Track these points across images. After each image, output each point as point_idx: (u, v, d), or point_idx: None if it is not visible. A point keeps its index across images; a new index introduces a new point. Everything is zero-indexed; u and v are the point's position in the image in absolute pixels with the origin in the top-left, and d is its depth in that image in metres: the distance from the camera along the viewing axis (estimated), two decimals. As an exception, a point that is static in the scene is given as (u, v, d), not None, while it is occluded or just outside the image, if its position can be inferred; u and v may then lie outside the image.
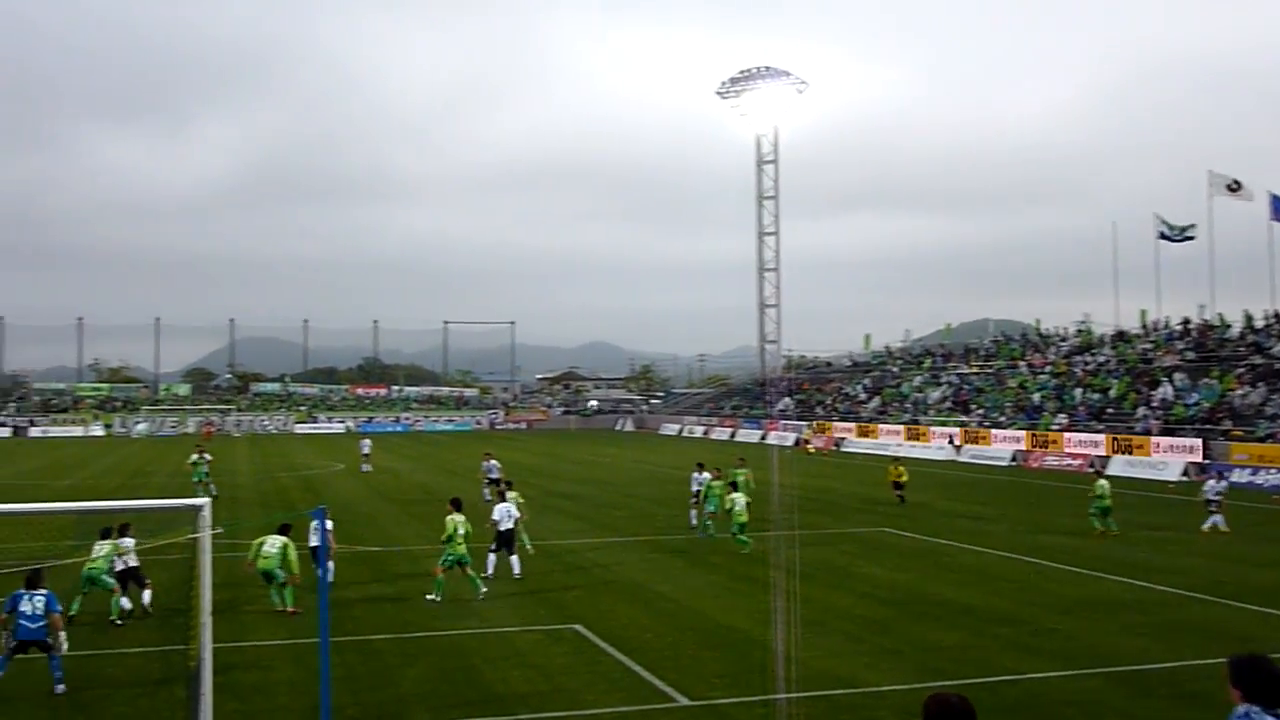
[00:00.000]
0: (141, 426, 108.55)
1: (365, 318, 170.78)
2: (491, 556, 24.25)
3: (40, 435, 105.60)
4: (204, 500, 12.90)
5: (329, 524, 22.48)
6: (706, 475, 31.74)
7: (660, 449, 79.08)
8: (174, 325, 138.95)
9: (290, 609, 20.27)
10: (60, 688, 15.06)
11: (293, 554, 20.85)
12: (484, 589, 21.87)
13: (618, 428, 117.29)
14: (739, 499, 28.72)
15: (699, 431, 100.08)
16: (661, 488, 45.33)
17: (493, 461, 41.00)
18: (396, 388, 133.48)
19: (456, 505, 22.72)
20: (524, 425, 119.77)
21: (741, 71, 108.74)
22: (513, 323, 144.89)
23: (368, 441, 60.48)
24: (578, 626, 19.26)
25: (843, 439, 77.97)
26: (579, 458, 68.54)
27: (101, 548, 20.34)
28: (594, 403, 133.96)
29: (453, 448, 78.72)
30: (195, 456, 42.69)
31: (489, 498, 26.24)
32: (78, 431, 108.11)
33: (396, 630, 19.09)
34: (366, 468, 55.37)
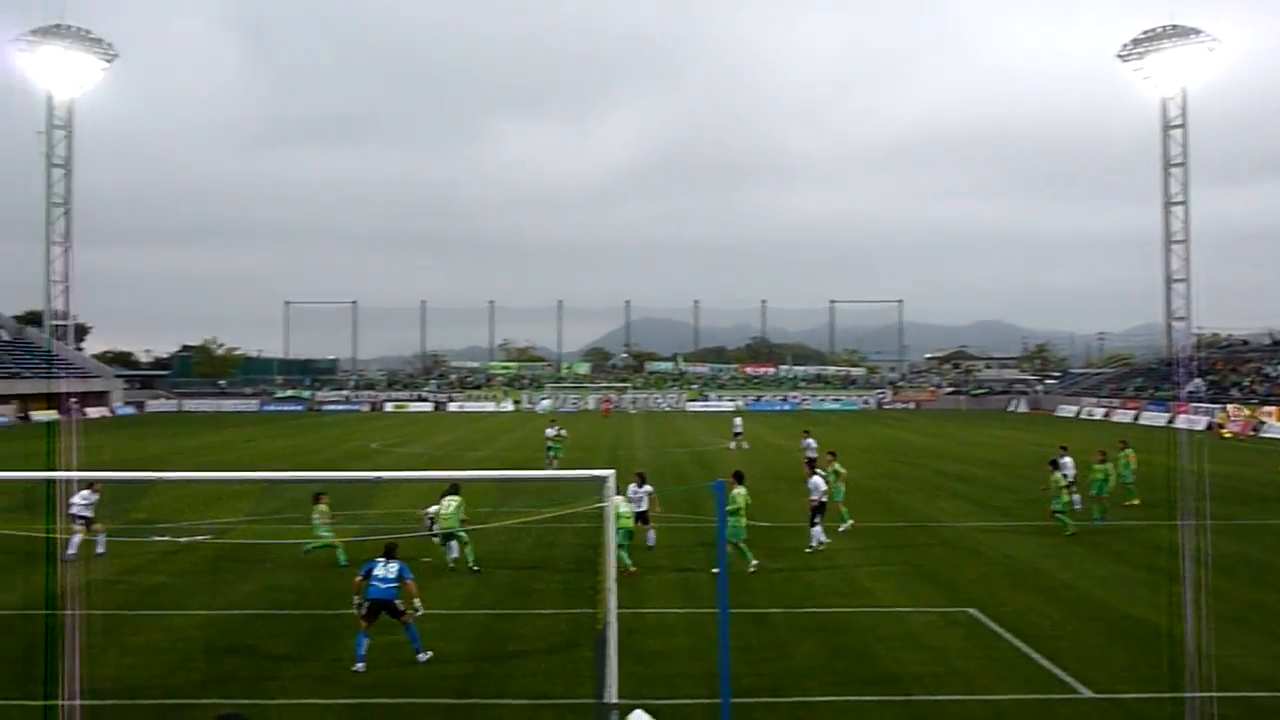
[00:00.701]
0: (546, 403, 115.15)
1: (753, 297, 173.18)
2: (817, 529, 25.08)
3: (457, 410, 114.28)
4: (609, 471, 13.51)
5: (648, 488, 23.98)
6: (1068, 460, 30.55)
7: (1057, 431, 75.75)
8: (574, 307, 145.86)
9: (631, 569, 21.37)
10: (423, 655, 15.81)
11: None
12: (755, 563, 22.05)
13: (1010, 409, 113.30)
14: (1059, 478, 28.34)
15: (1098, 414, 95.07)
16: (1058, 471, 43.43)
17: (810, 440, 41.44)
18: (784, 367, 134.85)
19: (739, 478, 23.12)
20: (912, 405, 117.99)
21: (1145, 32, 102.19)
22: (900, 301, 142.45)
23: (739, 420, 61.61)
24: (972, 610, 18.85)
25: (1262, 423, 71.92)
26: (970, 439, 66.78)
27: (449, 504, 22.30)
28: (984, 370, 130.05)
29: (839, 426, 78.69)
30: (551, 430, 45.12)
31: (820, 474, 26.54)
32: (489, 407, 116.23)
33: (788, 604, 19.36)
34: (737, 444, 56.40)
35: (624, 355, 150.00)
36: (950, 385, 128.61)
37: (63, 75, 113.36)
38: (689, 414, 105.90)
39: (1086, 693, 14.25)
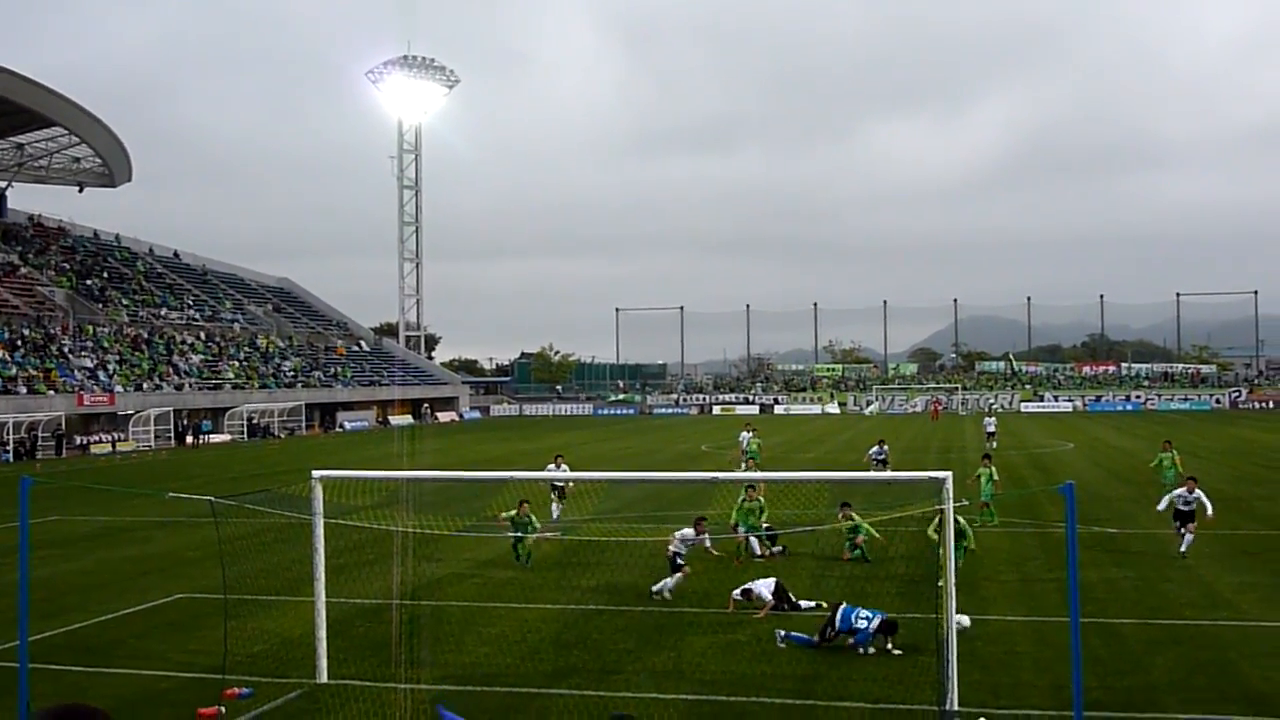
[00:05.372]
0: (873, 405, 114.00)
1: (1090, 293, 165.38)
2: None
3: (783, 412, 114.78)
4: (945, 474, 13.29)
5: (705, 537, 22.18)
6: None
7: None
8: (900, 307, 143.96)
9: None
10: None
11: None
12: None
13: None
14: None
15: None
16: None
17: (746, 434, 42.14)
18: (1126, 365, 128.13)
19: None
20: (1269, 404, 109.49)
21: None
22: (1255, 292, 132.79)
23: (992, 420, 61.90)
24: (1352, 627, 17.33)
25: None
26: (1341, 441, 61.28)
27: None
28: None
29: (1191, 428, 74.01)
30: (744, 434, 44.07)
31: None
32: (815, 409, 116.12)
33: (1140, 615, 18.39)
34: (993, 444, 55.07)
35: (952, 355, 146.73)
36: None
37: (409, 102, 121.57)
38: (1023, 415, 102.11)
39: None
